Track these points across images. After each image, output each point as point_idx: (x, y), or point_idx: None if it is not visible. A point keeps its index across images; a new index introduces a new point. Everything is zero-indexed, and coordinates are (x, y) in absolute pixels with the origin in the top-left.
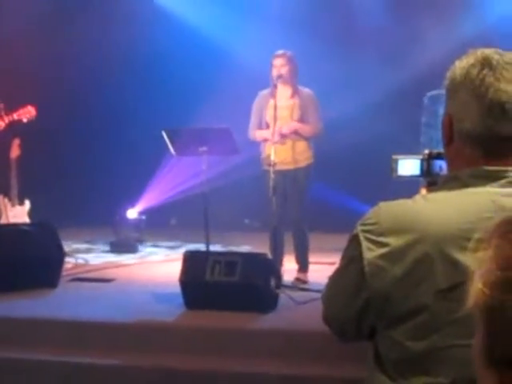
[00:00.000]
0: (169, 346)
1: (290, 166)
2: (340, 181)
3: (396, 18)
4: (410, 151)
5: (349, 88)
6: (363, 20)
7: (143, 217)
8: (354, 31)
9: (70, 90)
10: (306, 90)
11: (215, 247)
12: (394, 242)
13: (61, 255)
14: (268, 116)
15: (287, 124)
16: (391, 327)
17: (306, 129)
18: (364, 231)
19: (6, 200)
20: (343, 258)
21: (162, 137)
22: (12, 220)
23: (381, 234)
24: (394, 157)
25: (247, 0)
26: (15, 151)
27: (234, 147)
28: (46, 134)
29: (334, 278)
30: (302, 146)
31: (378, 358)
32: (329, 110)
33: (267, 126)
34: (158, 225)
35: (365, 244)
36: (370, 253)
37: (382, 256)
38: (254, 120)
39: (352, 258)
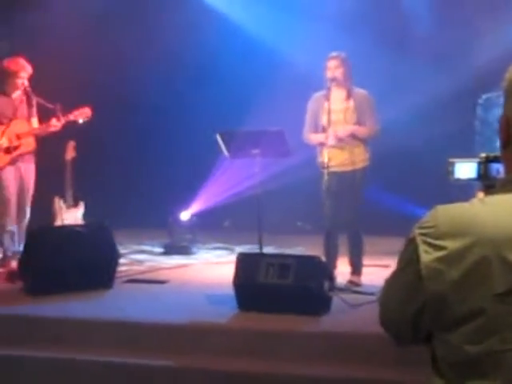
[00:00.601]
0: (222, 348)
1: (346, 169)
2: (394, 183)
3: (449, 20)
4: (464, 154)
5: (401, 90)
6: (415, 22)
7: (196, 219)
8: (406, 33)
9: (124, 92)
10: (361, 91)
11: (267, 249)
12: (452, 245)
13: (115, 256)
14: (324, 119)
15: (342, 127)
16: (448, 330)
17: (362, 131)
18: (421, 234)
19: (61, 202)
20: (400, 261)
21: (216, 139)
22: (67, 222)
23: (438, 237)
24: (451, 160)
25: (299, 1)
26: (70, 153)
27: (287, 149)
28: (101, 135)
29: (391, 281)
30: (358, 148)
31: (435, 361)
32: (381, 111)
33: (323, 130)
34: (211, 227)
35: (422, 247)
36: (427, 256)
37: (439, 259)
38: (309, 123)
39: (409, 260)
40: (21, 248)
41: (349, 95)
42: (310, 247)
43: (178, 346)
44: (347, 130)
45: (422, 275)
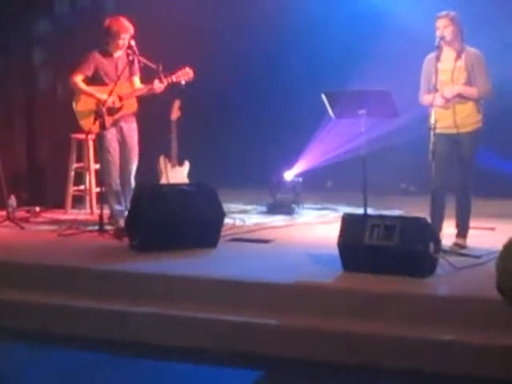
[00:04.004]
0: (326, 308)
1: (454, 131)
2: (503, 146)
3: None
4: None
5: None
6: None
7: (300, 179)
8: None
9: (226, 51)
10: (472, 51)
11: (370, 210)
12: None
13: (220, 216)
14: (434, 80)
15: (449, 87)
16: None
17: (470, 91)
18: None
19: (167, 161)
20: None
21: (322, 99)
22: (172, 181)
23: None
24: None
25: None
26: (175, 113)
27: (394, 110)
28: (205, 95)
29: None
30: (467, 109)
31: None
32: (492, 73)
33: (436, 91)
34: (314, 187)
35: None
36: None
37: None
38: (423, 85)
39: None
40: (127, 207)
41: (459, 55)
42: (414, 209)
43: (281, 305)
44: (454, 91)
45: None
